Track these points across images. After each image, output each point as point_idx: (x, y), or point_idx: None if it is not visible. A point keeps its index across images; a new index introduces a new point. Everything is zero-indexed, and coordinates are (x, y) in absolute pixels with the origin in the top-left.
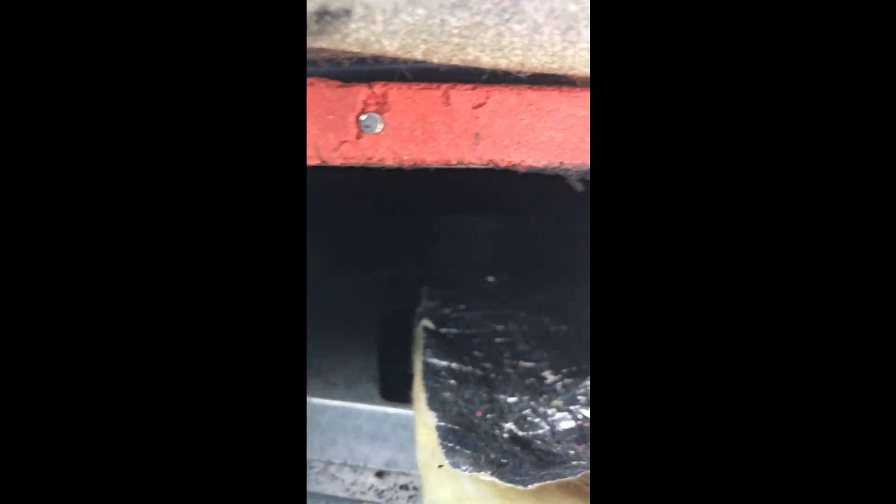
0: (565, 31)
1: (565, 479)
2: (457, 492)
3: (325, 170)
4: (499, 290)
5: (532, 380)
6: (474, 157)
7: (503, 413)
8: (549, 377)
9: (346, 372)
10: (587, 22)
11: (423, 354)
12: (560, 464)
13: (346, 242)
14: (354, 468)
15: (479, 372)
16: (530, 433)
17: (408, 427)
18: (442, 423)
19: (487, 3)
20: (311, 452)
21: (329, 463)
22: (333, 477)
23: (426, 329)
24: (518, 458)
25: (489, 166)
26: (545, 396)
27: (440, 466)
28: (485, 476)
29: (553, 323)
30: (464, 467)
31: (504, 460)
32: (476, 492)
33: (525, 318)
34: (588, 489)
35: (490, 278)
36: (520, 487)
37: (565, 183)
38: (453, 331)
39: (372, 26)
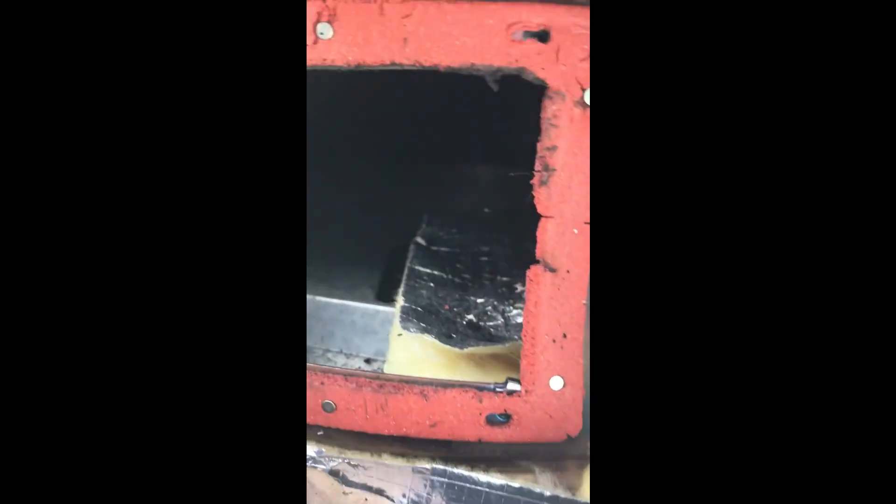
0: None
1: (496, 347)
2: (409, 355)
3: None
4: (492, 220)
5: (504, 289)
6: (403, 58)
7: (469, 308)
8: (520, 288)
9: (351, 279)
10: None
11: (410, 263)
12: (498, 339)
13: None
14: (348, 355)
15: (457, 280)
16: (487, 323)
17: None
18: (406, 304)
19: None
20: (312, 341)
21: (327, 350)
22: (329, 361)
23: (416, 244)
24: (465, 335)
25: (416, 66)
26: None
27: (399, 335)
28: (428, 338)
29: (533, 247)
30: (412, 330)
31: (453, 335)
32: (422, 352)
33: (510, 242)
34: (515, 358)
35: (486, 209)
36: (457, 349)
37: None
38: (443, 249)
39: None
